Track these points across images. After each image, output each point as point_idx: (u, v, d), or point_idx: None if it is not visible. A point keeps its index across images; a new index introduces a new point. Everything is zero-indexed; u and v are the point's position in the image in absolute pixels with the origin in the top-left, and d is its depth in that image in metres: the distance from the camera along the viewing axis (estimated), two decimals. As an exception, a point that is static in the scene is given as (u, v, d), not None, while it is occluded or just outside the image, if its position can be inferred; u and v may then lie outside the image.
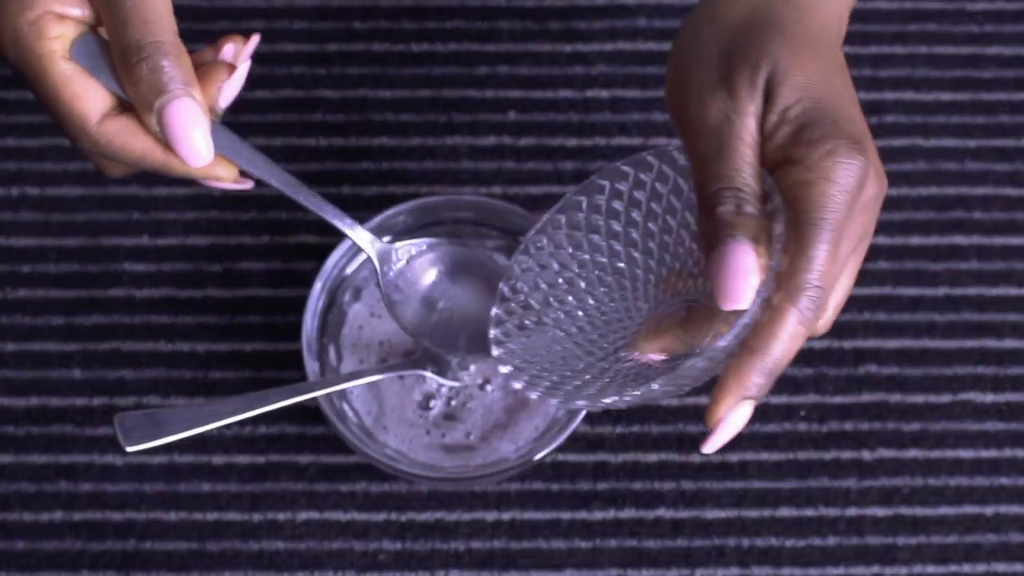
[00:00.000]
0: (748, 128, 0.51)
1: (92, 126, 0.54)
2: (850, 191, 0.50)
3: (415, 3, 0.81)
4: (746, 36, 0.53)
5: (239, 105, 0.77)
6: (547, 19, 0.80)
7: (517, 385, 0.55)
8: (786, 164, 0.51)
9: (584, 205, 0.58)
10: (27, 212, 0.75)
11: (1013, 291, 0.75)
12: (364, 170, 0.77)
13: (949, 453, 0.72)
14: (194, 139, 0.54)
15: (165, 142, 0.54)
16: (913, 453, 0.72)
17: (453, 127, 0.78)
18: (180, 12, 0.80)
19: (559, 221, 0.58)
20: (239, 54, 0.58)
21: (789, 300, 0.49)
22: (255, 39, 0.58)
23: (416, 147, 0.78)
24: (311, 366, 0.67)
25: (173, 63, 0.54)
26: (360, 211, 0.76)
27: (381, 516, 0.70)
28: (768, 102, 0.51)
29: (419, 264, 0.63)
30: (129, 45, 0.53)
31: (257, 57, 0.79)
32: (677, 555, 0.70)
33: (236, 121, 0.77)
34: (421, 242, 0.63)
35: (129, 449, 0.60)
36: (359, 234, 0.61)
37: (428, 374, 0.69)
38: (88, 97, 0.54)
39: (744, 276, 0.49)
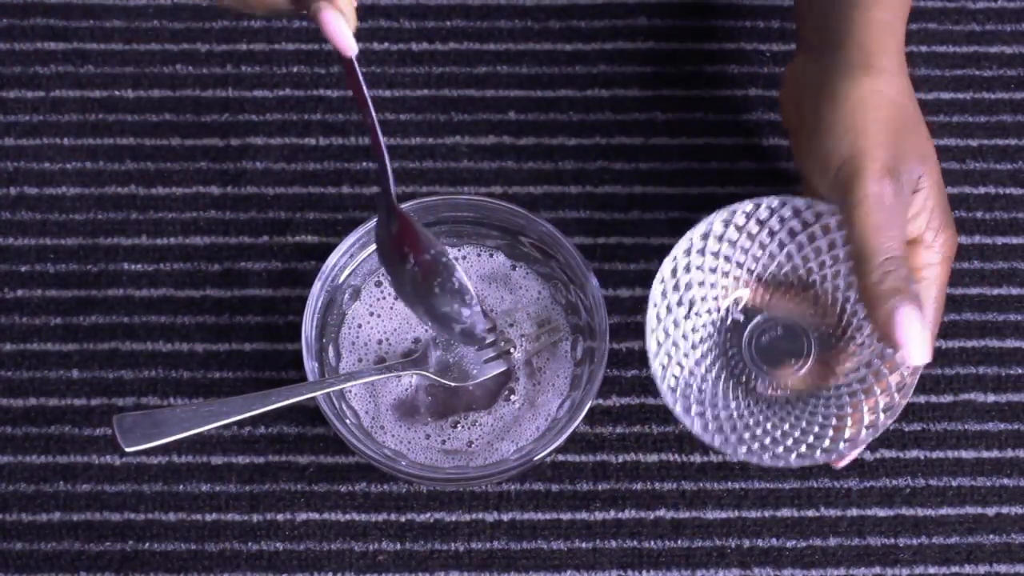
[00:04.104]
0: (907, 210, 0.62)
1: None
2: (952, 261, 0.65)
3: (415, 2, 0.81)
4: (906, 127, 0.63)
5: (239, 104, 0.78)
6: (547, 18, 0.80)
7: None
8: (916, 243, 0.64)
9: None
10: (25, 212, 0.75)
11: (1015, 291, 0.75)
12: (364, 170, 0.77)
13: (951, 454, 0.72)
14: None
15: None
16: (914, 453, 0.72)
17: (453, 127, 0.78)
18: (180, 11, 0.80)
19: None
20: None
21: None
22: None
23: (416, 147, 0.77)
24: (310, 366, 0.67)
25: None
26: (360, 211, 0.76)
27: (380, 517, 0.70)
28: (915, 191, 0.63)
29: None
30: None
31: (256, 57, 0.79)
32: (678, 556, 0.70)
33: (235, 120, 0.77)
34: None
35: (128, 449, 0.60)
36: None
37: (428, 374, 0.69)
38: None
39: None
